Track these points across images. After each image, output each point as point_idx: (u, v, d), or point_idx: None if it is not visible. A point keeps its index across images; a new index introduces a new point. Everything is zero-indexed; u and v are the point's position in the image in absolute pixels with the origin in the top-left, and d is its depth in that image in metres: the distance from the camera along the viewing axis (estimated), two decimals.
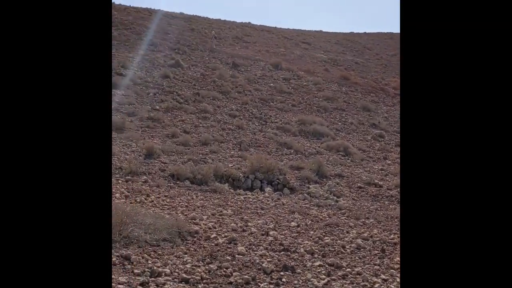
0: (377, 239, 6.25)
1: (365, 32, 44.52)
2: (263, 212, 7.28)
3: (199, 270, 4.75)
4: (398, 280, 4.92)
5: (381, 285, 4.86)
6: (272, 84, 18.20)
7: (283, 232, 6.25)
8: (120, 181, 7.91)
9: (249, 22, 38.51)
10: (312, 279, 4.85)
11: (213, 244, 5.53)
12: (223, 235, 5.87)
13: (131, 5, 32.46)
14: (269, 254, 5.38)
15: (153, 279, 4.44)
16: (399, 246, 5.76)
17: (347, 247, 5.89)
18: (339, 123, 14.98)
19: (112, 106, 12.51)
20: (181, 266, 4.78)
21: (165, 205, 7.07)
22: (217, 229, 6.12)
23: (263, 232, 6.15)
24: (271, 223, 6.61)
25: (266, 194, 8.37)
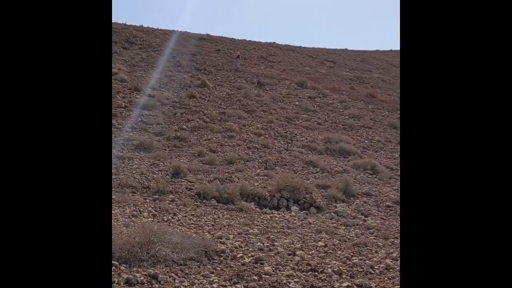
0: None
1: (390, 50, 44.31)
2: (289, 231, 7.22)
3: None
4: None
5: None
6: (297, 103, 18.23)
7: (310, 252, 6.18)
8: (148, 200, 8.00)
9: (274, 42, 38.85)
10: None
11: (239, 264, 5.51)
12: (249, 255, 5.85)
13: (158, 28, 33.17)
14: (296, 274, 5.32)
15: None
16: None
17: (375, 267, 5.78)
18: (365, 141, 14.85)
19: (141, 126, 12.71)
20: (208, 286, 4.78)
21: (192, 224, 7.09)
22: (243, 249, 6.09)
23: (290, 252, 6.09)
24: (298, 243, 6.56)
25: (293, 213, 8.32)
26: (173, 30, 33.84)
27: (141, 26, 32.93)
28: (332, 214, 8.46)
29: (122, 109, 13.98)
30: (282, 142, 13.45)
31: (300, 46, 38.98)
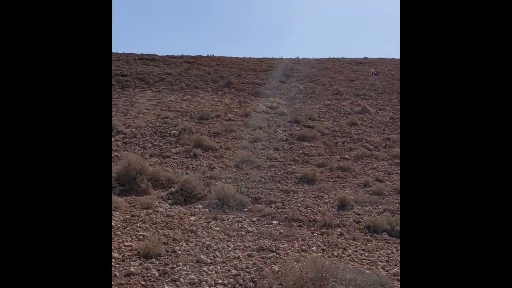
0: None
1: None
2: None
3: None
4: None
5: None
6: None
7: None
8: (315, 234, 7.82)
9: None
10: None
11: None
12: None
13: (314, 58, 33.79)
14: None
15: None
16: None
17: None
18: None
19: (303, 159, 12.74)
20: None
21: (364, 259, 6.71)
22: None
23: None
24: None
25: None
26: (329, 58, 34.12)
27: (297, 58, 33.90)
28: None
29: (284, 142, 14.24)
30: None
31: None
